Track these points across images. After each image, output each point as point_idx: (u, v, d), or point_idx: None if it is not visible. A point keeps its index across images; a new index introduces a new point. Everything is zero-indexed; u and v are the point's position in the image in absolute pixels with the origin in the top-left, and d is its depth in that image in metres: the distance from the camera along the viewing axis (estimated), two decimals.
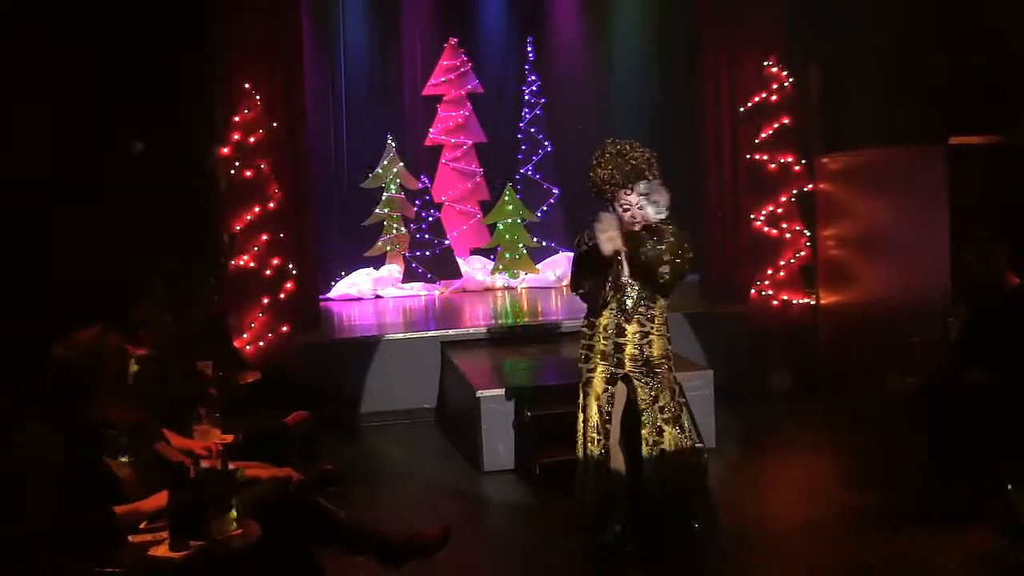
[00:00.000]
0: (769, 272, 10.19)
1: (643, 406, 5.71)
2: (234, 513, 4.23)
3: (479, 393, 7.75)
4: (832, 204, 10.12)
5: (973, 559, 5.58)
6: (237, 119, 9.39)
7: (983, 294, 6.76)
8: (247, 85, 9.48)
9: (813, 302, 10.26)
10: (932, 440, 6.52)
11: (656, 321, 5.72)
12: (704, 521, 5.85)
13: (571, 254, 6.19)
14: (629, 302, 5.67)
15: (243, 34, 9.52)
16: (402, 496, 7.34)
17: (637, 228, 5.67)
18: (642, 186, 5.61)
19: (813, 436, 8.44)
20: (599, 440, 5.73)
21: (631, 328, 5.67)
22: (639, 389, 5.71)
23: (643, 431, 5.70)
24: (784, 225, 10.20)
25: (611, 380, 5.72)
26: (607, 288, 5.66)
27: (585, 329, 5.81)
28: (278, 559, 4.62)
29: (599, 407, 5.72)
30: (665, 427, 5.70)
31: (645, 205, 5.63)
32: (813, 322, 10.26)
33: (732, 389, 8.54)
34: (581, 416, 5.81)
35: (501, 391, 7.76)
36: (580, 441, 5.81)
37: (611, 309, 5.68)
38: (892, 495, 6.61)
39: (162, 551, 4.02)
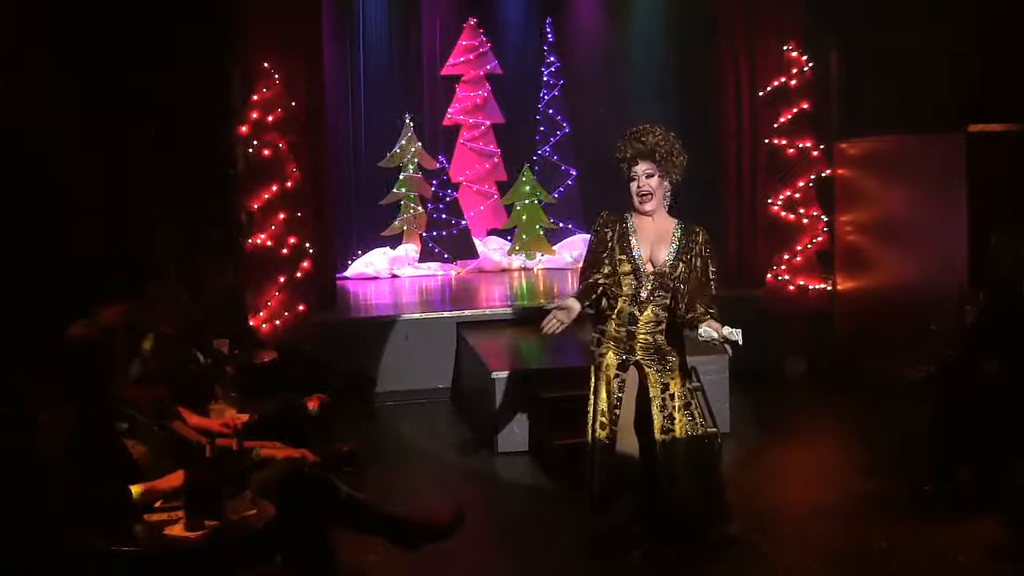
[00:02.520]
0: (786, 257, 10.16)
1: (654, 393, 5.69)
2: (249, 493, 4.26)
3: (494, 374, 7.77)
4: (850, 190, 10.08)
5: (984, 547, 5.58)
6: (255, 98, 9.39)
7: (1004, 283, 6.73)
8: (266, 64, 9.46)
9: (830, 288, 10.23)
10: (945, 428, 6.50)
11: (669, 308, 5.71)
12: (721, 513, 5.84)
13: (588, 236, 6.18)
14: (644, 292, 5.65)
15: (262, 12, 9.50)
16: (417, 476, 7.36)
17: (648, 208, 5.66)
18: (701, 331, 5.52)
19: (827, 422, 8.44)
20: (607, 425, 5.73)
21: (644, 316, 5.66)
22: (650, 375, 5.69)
23: (654, 418, 5.69)
24: (802, 210, 10.15)
25: (623, 366, 5.70)
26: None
27: (599, 314, 5.80)
28: (293, 539, 4.64)
29: (609, 392, 5.71)
30: (676, 414, 5.68)
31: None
32: (829, 308, 10.23)
33: (747, 374, 8.53)
34: (591, 400, 5.80)
35: (516, 372, 7.78)
36: (589, 425, 5.81)
37: (625, 297, 5.68)
38: (904, 482, 6.59)
39: (177, 530, 4.06)
